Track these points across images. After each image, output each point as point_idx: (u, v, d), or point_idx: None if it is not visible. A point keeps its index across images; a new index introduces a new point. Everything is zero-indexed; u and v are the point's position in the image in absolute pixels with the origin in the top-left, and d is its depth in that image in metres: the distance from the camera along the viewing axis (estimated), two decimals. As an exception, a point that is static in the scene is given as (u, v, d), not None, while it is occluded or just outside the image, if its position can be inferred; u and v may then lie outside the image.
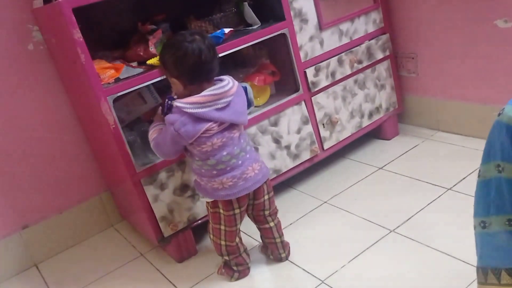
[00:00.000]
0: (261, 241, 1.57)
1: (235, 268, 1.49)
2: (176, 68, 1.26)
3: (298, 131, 1.82)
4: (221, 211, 1.39)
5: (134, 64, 1.57)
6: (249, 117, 1.68)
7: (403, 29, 2.08)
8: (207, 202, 1.43)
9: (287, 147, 1.81)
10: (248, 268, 1.51)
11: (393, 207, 1.67)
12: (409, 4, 2.00)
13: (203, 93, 1.24)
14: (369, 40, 1.97)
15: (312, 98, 1.84)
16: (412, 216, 1.59)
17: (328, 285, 1.38)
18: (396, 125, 2.19)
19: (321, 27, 1.80)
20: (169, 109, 1.31)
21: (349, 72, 1.92)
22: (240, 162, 1.33)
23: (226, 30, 1.58)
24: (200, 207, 1.64)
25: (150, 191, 1.54)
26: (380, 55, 2.01)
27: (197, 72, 1.26)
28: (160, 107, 1.41)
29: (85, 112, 1.70)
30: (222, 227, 1.41)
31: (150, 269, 1.68)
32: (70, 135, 1.87)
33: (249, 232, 1.69)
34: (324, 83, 1.86)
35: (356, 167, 2.01)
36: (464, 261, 1.33)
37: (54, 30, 1.55)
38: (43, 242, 1.88)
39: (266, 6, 1.73)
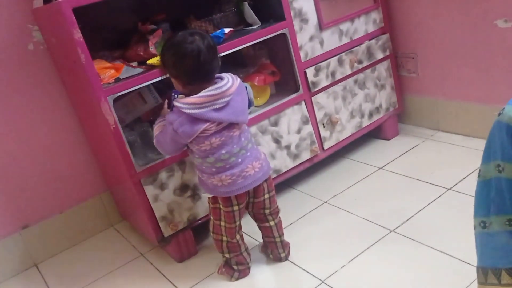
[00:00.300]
0: (261, 240, 1.57)
1: (235, 267, 1.49)
2: (175, 68, 1.27)
3: (298, 131, 1.82)
4: (221, 206, 1.40)
5: (134, 64, 1.57)
6: (249, 117, 1.68)
7: (403, 29, 2.08)
8: (208, 198, 1.44)
9: (287, 147, 1.81)
10: (249, 268, 1.51)
11: (393, 207, 1.67)
12: (409, 4, 2.00)
13: (201, 93, 1.24)
14: (369, 40, 1.97)
15: (312, 98, 1.84)
16: (412, 216, 1.59)
17: (328, 285, 1.38)
18: (396, 125, 2.19)
19: (321, 27, 1.80)
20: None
21: (349, 72, 1.92)
22: (239, 160, 1.34)
23: (226, 30, 1.58)
24: (200, 207, 1.64)
25: (150, 191, 1.54)
26: (380, 55, 2.01)
27: (195, 73, 1.26)
28: (166, 101, 1.42)
29: (85, 112, 1.70)
30: (222, 223, 1.42)
31: (150, 269, 1.68)
32: (70, 135, 1.88)
33: (249, 232, 1.69)
34: (324, 83, 1.86)
35: (356, 167, 2.01)
36: (464, 261, 1.33)
37: (54, 30, 1.55)
38: (43, 242, 1.88)
39: (266, 6, 1.73)
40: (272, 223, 1.49)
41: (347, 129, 1.98)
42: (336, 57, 1.87)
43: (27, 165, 1.81)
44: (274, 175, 1.79)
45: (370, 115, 2.05)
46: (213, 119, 1.25)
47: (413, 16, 2.01)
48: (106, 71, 1.45)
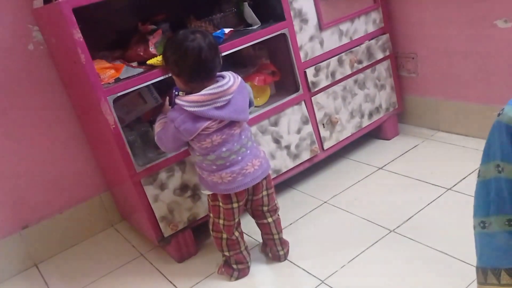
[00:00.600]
0: (261, 240, 1.57)
1: (235, 266, 1.49)
2: (177, 66, 1.28)
3: (298, 131, 1.82)
4: (220, 204, 1.40)
5: (134, 64, 1.57)
6: (249, 117, 1.68)
7: (403, 29, 2.08)
8: (208, 195, 1.44)
9: (287, 147, 1.81)
10: (248, 267, 1.51)
11: (393, 207, 1.67)
12: (409, 4, 2.00)
13: (203, 91, 1.25)
14: (369, 40, 1.97)
15: (312, 98, 1.84)
16: (412, 216, 1.60)
17: (328, 285, 1.38)
18: (396, 125, 2.19)
19: (321, 27, 1.80)
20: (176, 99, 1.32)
21: (349, 72, 1.92)
22: (240, 158, 1.34)
23: (226, 30, 1.58)
24: (200, 207, 1.64)
25: (150, 191, 1.54)
26: (380, 55, 2.01)
27: (197, 71, 1.27)
28: (168, 98, 1.43)
29: (85, 112, 1.70)
30: (221, 221, 1.42)
31: (150, 269, 1.68)
32: (70, 135, 1.88)
33: (249, 232, 1.69)
34: (324, 83, 1.86)
35: (356, 167, 2.01)
36: (464, 261, 1.33)
37: (54, 30, 1.55)
38: (43, 242, 1.88)
39: (266, 6, 1.73)
40: (270, 219, 1.49)
41: (347, 129, 1.98)
42: (336, 57, 1.87)
43: (27, 165, 1.81)
44: (274, 175, 1.79)
45: (370, 115, 2.05)
46: (214, 117, 1.26)
47: (413, 16, 2.01)
48: (106, 71, 1.45)
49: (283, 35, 1.71)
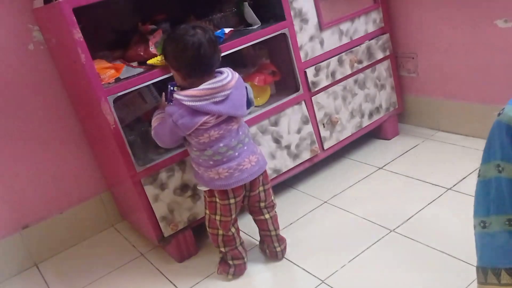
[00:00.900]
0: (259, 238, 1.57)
1: (231, 262, 1.49)
2: (176, 60, 1.29)
3: (298, 131, 1.82)
4: (217, 200, 1.40)
5: (135, 64, 1.57)
6: (249, 117, 1.68)
7: (403, 29, 2.08)
8: (204, 192, 1.44)
9: (287, 147, 1.81)
10: (245, 264, 1.51)
11: (393, 207, 1.67)
12: (409, 4, 2.00)
13: (201, 86, 1.25)
14: (369, 40, 1.97)
15: (312, 98, 1.84)
16: (412, 216, 1.60)
17: (328, 285, 1.38)
18: (396, 125, 2.19)
19: (321, 27, 1.80)
20: (171, 95, 1.33)
21: (349, 72, 1.92)
22: (237, 153, 1.34)
23: (226, 30, 1.58)
24: (200, 207, 1.64)
25: (150, 191, 1.54)
26: (380, 55, 2.01)
27: (196, 66, 1.27)
28: (164, 94, 1.43)
29: (85, 112, 1.70)
30: (218, 217, 1.42)
31: (150, 269, 1.68)
32: (70, 135, 1.88)
33: (249, 232, 1.69)
34: (324, 83, 1.86)
35: (356, 167, 2.01)
36: (464, 261, 1.33)
37: (55, 30, 1.55)
38: (43, 242, 1.88)
39: (266, 6, 1.73)
40: (267, 216, 1.49)
41: (347, 129, 1.98)
42: (336, 57, 1.87)
43: (27, 165, 1.81)
44: (274, 175, 1.79)
45: (370, 115, 2.05)
46: (213, 112, 1.26)
47: (413, 16, 2.01)
48: (106, 71, 1.46)
49: (283, 35, 1.71)
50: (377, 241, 1.52)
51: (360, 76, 1.98)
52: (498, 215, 0.79)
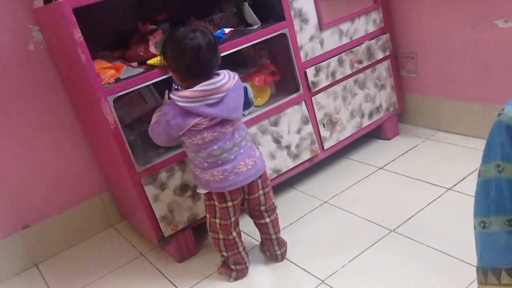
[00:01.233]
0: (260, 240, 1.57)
1: (233, 267, 1.49)
2: (175, 62, 1.29)
3: (298, 131, 1.82)
4: (216, 203, 1.40)
5: (135, 64, 1.57)
6: (249, 117, 1.68)
7: (403, 29, 2.08)
8: (204, 195, 1.44)
9: (287, 147, 1.81)
10: (247, 268, 1.51)
11: (393, 207, 1.67)
12: (409, 4, 2.00)
13: (195, 87, 1.25)
14: (369, 40, 1.97)
15: (312, 98, 1.84)
16: (412, 216, 1.60)
17: (328, 285, 1.38)
18: (396, 125, 2.19)
19: (321, 27, 1.80)
20: None
21: (349, 72, 1.92)
22: (232, 156, 1.34)
23: (227, 30, 1.58)
24: (200, 207, 1.64)
25: (150, 191, 1.54)
26: (380, 55, 2.01)
27: (193, 69, 1.27)
28: (167, 92, 1.44)
29: (85, 112, 1.70)
30: (217, 221, 1.42)
31: (150, 269, 1.68)
32: (70, 135, 1.88)
33: (249, 232, 1.69)
34: (324, 83, 1.86)
35: (356, 167, 2.01)
36: (464, 261, 1.33)
37: (55, 30, 1.55)
38: (43, 242, 1.88)
39: (266, 6, 1.73)
40: (267, 220, 1.48)
41: (347, 129, 1.98)
42: (336, 57, 1.87)
43: (27, 165, 1.81)
44: (274, 175, 1.79)
45: (370, 115, 2.05)
46: (205, 114, 1.26)
47: (413, 16, 2.01)
48: (106, 71, 1.45)
49: (283, 35, 1.71)
50: (377, 241, 1.52)
51: (360, 76, 1.98)
52: (498, 215, 0.79)
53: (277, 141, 1.77)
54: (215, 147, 1.31)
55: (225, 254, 1.48)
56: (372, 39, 1.97)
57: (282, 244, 1.53)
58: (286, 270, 1.50)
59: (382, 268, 1.39)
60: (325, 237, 1.61)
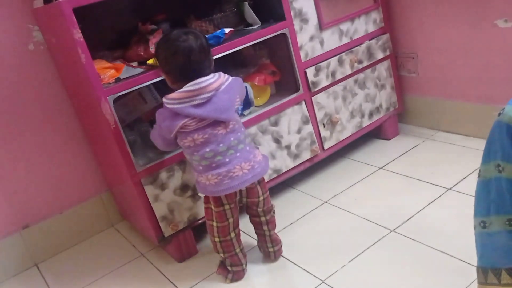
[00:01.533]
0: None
1: (229, 268, 1.49)
2: (167, 64, 1.30)
3: (299, 131, 1.82)
4: (212, 206, 1.40)
5: (135, 64, 1.57)
6: (249, 117, 1.68)
7: (403, 29, 2.08)
8: (203, 197, 1.44)
9: (288, 147, 1.81)
10: (243, 270, 1.50)
11: (393, 207, 1.67)
12: (409, 4, 2.00)
13: (182, 89, 1.26)
14: (369, 40, 1.97)
15: (312, 98, 1.84)
16: (412, 216, 1.60)
17: (328, 285, 1.38)
18: (396, 125, 2.19)
19: (321, 27, 1.80)
20: None
21: (349, 72, 1.92)
22: (227, 160, 1.32)
23: (227, 30, 1.58)
24: (201, 207, 1.64)
25: (151, 191, 1.54)
26: (380, 55, 2.01)
27: (184, 71, 1.28)
28: None
29: (85, 112, 1.70)
30: (214, 223, 1.42)
31: (150, 269, 1.68)
32: (70, 135, 1.88)
33: (249, 232, 1.69)
34: (324, 83, 1.86)
35: (356, 167, 2.01)
36: (464, 261, 1.33)
37: (55, 30, 1.55)
38: (43, 242, 1.88)
39: (266, 6, 1.73)
40: (263, 218, 1.48)
41: (347, 129, 1.98)
42: (336, 57, 1.87)
43: (27, 165, 1.81)
44: (274, 175, 1.79)
45: (370, 115, 2.05)
46: (191, 115, 1.26)
47: (413, 16, 2.01)
48: (106, 71, 1.46)
49: (283, 35, 1.71)
50: (377, 241, 1.52)
51: (360, 76, 1.98)
52: (498, 215, 0.79)
53: (277, 141, 1.77)
54: (207, 149, 1.31)
55: (222, 255, 1.47)
56: (372, 39, 1.97)
57: (275, 242, 1.52)
58: (286, 270, 1.50)
59: (382, 268, 1.39)
60: (325, 237, 1.61)
